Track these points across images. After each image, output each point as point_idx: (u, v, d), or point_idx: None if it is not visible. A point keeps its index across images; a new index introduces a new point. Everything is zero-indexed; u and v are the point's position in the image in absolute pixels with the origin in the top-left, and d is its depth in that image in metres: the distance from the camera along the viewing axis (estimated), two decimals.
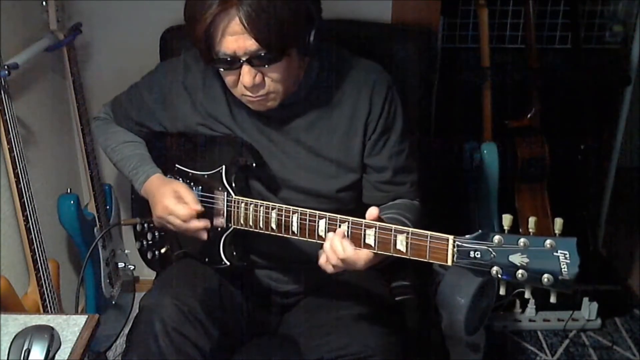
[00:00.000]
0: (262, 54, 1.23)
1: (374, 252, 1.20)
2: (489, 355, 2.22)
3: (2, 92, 1.51)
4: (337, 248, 1.21)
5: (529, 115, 2.31)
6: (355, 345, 1.33)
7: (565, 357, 2.24)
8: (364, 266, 1.22)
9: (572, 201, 2.42)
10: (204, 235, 1.40)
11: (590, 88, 2.40)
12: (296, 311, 1.56)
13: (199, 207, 1.37)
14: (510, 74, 2.46)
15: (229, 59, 1.25)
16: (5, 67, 1.51)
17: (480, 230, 1.08)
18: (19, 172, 1.57)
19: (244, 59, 1.24)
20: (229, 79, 1.31)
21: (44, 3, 1.79)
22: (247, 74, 1.26)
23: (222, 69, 1.30)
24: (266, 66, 1.26)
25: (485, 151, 2.24)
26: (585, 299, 2.35)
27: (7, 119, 1.52)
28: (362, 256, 1.20)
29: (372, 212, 1.20)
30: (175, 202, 1.38)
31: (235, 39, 1.21)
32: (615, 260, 2.68)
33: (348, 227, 1.20)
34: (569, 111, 2.44)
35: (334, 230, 1.22)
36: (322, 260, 1.25)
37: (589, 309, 2.35)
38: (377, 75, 1.41)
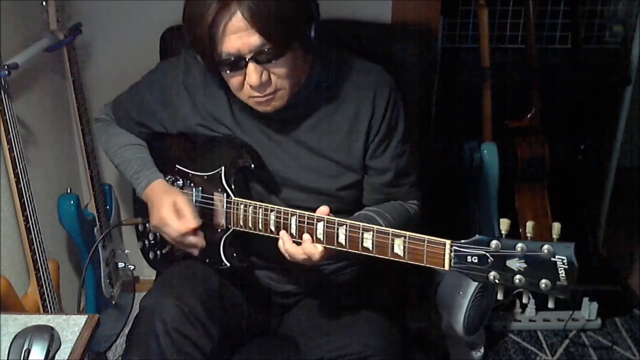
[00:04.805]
0: (267, 49, 1.22)
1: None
2: (489, 355, 2.22)
3: (2, 92, 1.50)
4: (311, 252, 1.24)
5: (529, 115, 2.31)
6: (355, 345, 1.33)
7: (565, 357, 2.24)
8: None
9: (572, 201, 2.42)
10: (196, 252, 1.41)
11: (590, 88, 2.41)
12: (296, 311, 1.56)
13: (195, 224, 1.37)
14: (510, 74, 2.46)
15: (233, 59, 1.24)
16: (5, 67, 1.51)
17: (477, 235, 1.07)
18: (19, 172, 1.57)
19: (248, 57, 1.23)
20: (233, 81, 1.30)
21: (44, 3, 1.78)
22: (253, 72, 1.24)
23: (226, 72, 1.28)
24: (272, 62, 1.25)
25: (485, 151, 2.24)
26: (585, 299, 2.35)
27: (7, 119, 1.52)
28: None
29: (322, 209, 1.24)
30: (172, 215, 1.38)
31: (239, 36, 1.20)
32: (615, 260, 2.68)
33: (346, 230, 1.20)
34: (569, 111, 2.45)
35: (332, 234, 1.22)
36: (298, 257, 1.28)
37: (589, 309, 2.34)
38: (379, 77, 1.41)
